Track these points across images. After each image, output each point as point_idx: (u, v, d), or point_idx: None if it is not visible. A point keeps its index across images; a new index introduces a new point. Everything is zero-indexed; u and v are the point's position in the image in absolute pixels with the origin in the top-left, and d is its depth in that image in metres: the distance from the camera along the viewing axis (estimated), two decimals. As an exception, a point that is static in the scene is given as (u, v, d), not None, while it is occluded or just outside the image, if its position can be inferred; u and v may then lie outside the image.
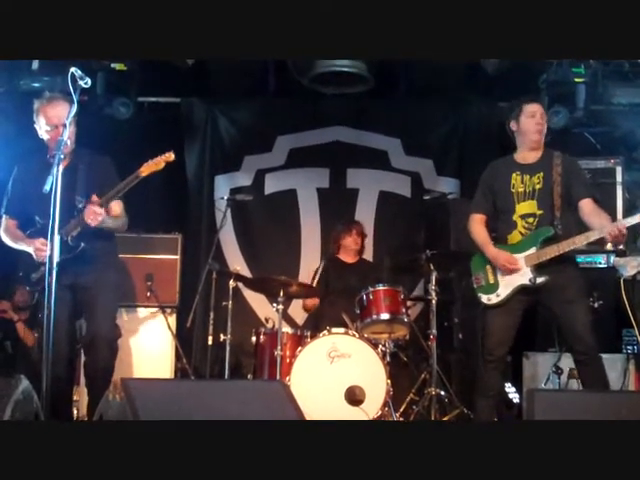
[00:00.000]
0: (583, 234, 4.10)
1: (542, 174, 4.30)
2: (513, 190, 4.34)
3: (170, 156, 4.07)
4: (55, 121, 4.08)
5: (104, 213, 4.06)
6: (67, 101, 4.14)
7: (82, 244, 4.12)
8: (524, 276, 4.23)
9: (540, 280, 4.18)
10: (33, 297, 4.34)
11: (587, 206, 4.22)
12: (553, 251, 4.14)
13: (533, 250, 4.22)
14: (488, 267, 4.39)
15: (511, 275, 4.26)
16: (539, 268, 4.20)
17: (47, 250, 3.98)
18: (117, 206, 4.30)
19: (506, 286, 4.29)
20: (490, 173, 4.53)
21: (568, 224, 4.21)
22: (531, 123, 4.34)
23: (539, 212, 4.27)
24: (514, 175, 4.36)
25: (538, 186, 4.29)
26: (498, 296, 4.31)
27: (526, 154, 4.40)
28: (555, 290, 4.21)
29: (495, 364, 4.30)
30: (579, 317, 4.16)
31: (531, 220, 4.28)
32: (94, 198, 4.05)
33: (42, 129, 4.20)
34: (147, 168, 4.05)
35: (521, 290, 4.25)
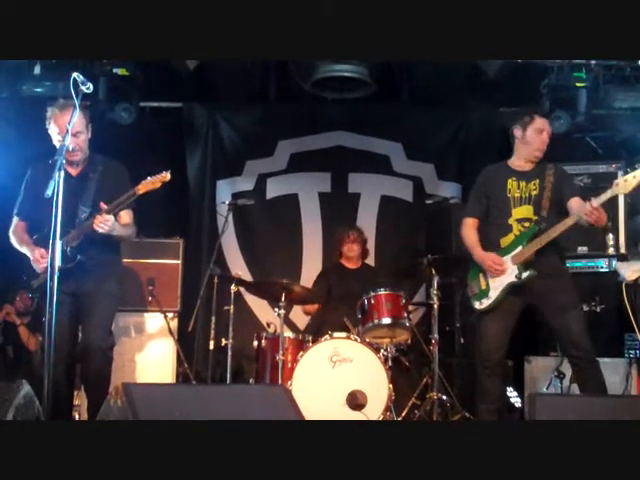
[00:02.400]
0: (561, 222, 4.12)
1: (538, 181, 4.35)
2: (509, 195, 4.38)
3: (166, 176, 4.10)
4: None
5: (113, 220, 4.06)
6: (80, 109, 4.15)
7: (79, 256, 4.11)
8: (511, 274, 4.26)
9: (525, 274, 4.21)
10: (33, 303, 4.33)
11: (575, 202, 4.25)
12: (535, 245, 4.19)
13: (520, 249, 4.25)
14: (481, 275, 4.43)
15: (500, 277, 4.29)
16: (527, 266, 4.22)
17: (45, 262, 4.02)
18: (126, 215, 4.30)
19: (496, 288, 4.32)
20: (485, 178, 4.57)
21: (553, 223, 4.22)
22: (538, 139, 4.38)
23: (535, 217, 4.31)
24: (510, 181, 4.40)
25: (534, 192, 4.34)
26: (489, 298, 4.33)
27: (522, 163, 4.45)
28: (548, 296, 4.24)
29: (492, 369, 4.32)
30: (574, 323, 4.20)
31: (527, 224, 4.32)
32: (102, 205, 4.05)
33: (54, 137, 4.20)
34: (144, 186, 4.08)
35: (512, 291, 4.27)
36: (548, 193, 4.28)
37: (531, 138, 4.39)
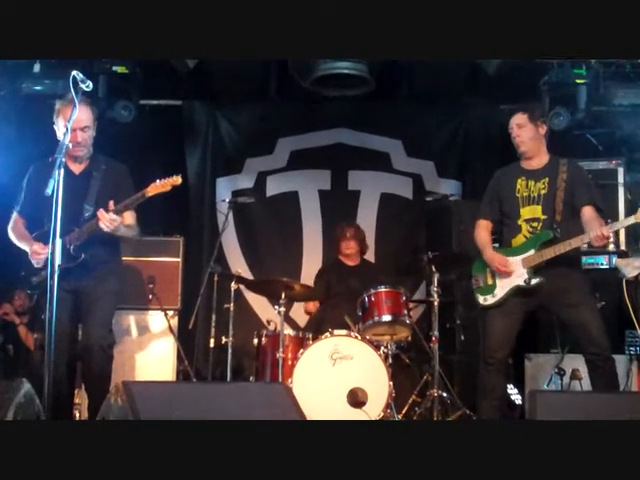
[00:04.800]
0: (578, 237, 4.14)
1: (547, 179, 4.34)
2: (518, 195, 4.38)
3: (177, 180, 4.09)
4: (73, 124, 3.96)
5: (119, 220, 4.07)
6: (88, 105, 4.15)
7: (83, 255, 4.13)
8: (520, 277, 4.27)
9: (535, 281, 4.22)
10: (32, 300, 4.31)
11: (587, 213, 4.26)
12: (550, 253, 4.18)
13: (531, 252, 4.25)
14: (488, 270, 4.43)
15: (509, 277, 4.29)
16: (539, 271, 4.22)
17: (43, 255, 4.03)
18: (130, 216, 4.30)
19: (502, 287, 4.33)
20: (497, 180, 4.59)
21: (569, 229, 4.23)
22: (512, 137, 4.42)
23: (543, 217, 4.30)
24: (519, 180, 4.40)
25: (543, 191, 4.33)
26: (494, 297, 4.34)
27: (529, 161, 4.44)
28: (559, 294, 4.23)
29: (495, 366, 4.31)
30: (589, 319, 4.17)
31: (535, 224, 4.32)
32: (111, 205, 4.06)
33: (60, 131, 4.17)
34: (154, 189, 4.07)
35: (519, 292, 4.28)
36: (561, 194, 4.27)
37: (512, 139, 4.43)
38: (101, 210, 4.03)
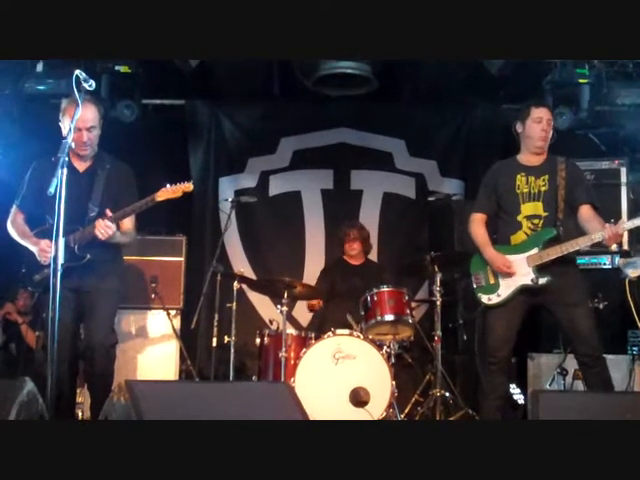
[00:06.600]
0: (587, 235, 4.13)
1: (547, 177, 4.32)
2: (518, 191, 4.35)
3: (189, 186, 4.09)
4: (79, 124, 4.01)
5: (115, 228, 4.06)
6: (94, 104, 4.15)
7: (88, 255, 4.12)
8: (526, 276, 4.23)
9: (543, 280, 4.19)
10: (33, 298, 4.28)
11: (586, 212, 4.27)
12: (556, 252, 4.16)
13: (535, 250, 4.23)
14: (489, 267, 4.38)
15: (512, 276, 4.27)
16: (541, 269, 4.20)
17: (51, 252, 4.01)
18: (129, 221, 4.30)
19: (507, 286, 4.29)
20: (494, 174, 4.54)
21: (570, 227, 4.24)
22: (536, 128, 4.35)
23: (545, 214, 4.28)
24: (519, 176, 4.37)
25: (544, 188, 4.31)
26: (499, 296, 4.31)
27: (530, 157, 4.41)
28: (558, 293, 4.22)
29: (498, 365, 4.30)
30: (583, 320, 4.18)
31: (537, 221, 4.29)
32: (108, 213, 4.05)
33: (66, 129, 4.11)
34: (164, 193, 4.08)
35: (523, 291, 4.26)
36: (562, 192, 4.26)
37: (530, 129, 4.35)
38: (99, 219, 4.04)
